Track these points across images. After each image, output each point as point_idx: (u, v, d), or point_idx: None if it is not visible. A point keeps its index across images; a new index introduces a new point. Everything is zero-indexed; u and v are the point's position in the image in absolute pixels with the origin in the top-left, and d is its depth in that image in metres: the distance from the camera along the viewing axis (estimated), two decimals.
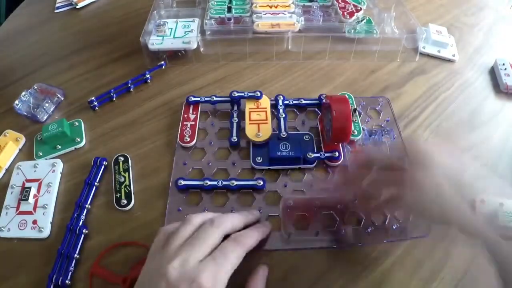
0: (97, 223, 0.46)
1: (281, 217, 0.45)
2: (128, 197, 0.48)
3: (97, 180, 0.50)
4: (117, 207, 0.47)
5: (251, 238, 0.38)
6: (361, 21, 0.68)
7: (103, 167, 0.51)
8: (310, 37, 0.65)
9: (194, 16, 0.68)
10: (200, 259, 0.34)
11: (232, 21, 0.67)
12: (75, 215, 0.46)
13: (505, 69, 0.62)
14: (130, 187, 0.49)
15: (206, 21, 0.66)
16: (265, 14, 0.67)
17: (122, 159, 0.51)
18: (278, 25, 0.64)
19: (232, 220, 0.39)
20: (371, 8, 0.71)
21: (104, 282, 0.42)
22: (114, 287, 0.41)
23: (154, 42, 0.62)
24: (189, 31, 0.65)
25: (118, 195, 0.48)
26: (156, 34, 0.64)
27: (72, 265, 0.42)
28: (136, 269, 0.41)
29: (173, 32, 0.65)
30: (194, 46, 0.63)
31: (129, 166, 0.51)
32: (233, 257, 0.35)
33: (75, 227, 0.45)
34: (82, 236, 0.44)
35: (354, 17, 0.68)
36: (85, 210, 0.47)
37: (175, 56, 0.65)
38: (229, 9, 0.69)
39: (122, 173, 0.50)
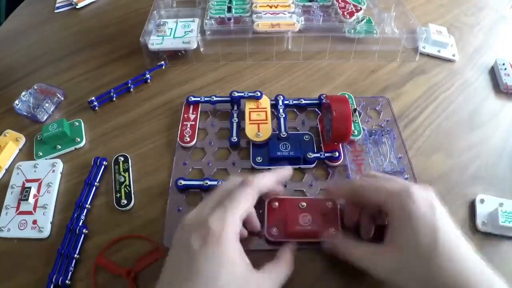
0: (97, 223, 0.46)
1: (266, 220, 0.45)
2: (128, 197, 0.48)
3: (97, 180, 0.50)
4: (117, 207, 0.47)
5: (262, 178, 0.39)
6: (361, 21, 0.68)
7: (103, 167, 0.51)
8: (310, 37, 0.65)
9: (194, 16, 0.68)
10: (212, 206, 0.35)
11: (232, 21, 0.67)
12: (75, 215, 0.46)
13: (505, 69, 0.62)
14: (130, 187, 0.49)
15: (206, 21, 0.66)
16: (265, 14, 0.67)
17: (122, 159, 0.51)
18: (278, 25, 0.64)
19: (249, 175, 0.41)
20: (371, 8, 0.71)
21: (108, 276, 0.42)
22: (117, 280, 0.41)
23: (154, 42, 0.62)
24: (189, 31, 0.65)
25: (118, 195, 0.48)
26: (156, 34, 0.64)
27: (72, 265, 0.42)
28: (142, 262, 0.42)
29: (173, 32, 0.65)
30: (194, 46, 0.63)
31: (129, 166, 0.51)
32: (240, 198, 0.36)
33: (75, 227, 0.45)
34: (82, 236, 0.44)
35: (354, 17, 0.68)
36: (85, 210, 0.47)
37: (175, 56, 0.65)
38: (229, 9, 0.69)
39: (122, 173, 0.50)
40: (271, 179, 0.41)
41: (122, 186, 0.49)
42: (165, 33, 0.64)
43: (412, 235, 0.34)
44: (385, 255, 0.36)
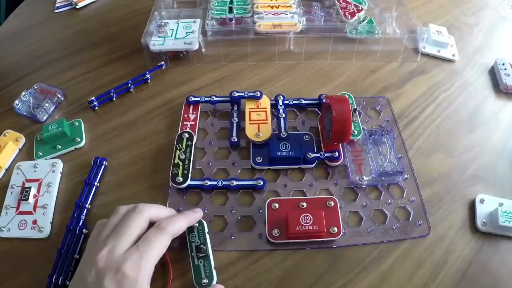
0: None
1: (266, 221, 0.45)
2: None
3: (97, 180, 0.50)
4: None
5: (176, 224, 0.40)
6: (363, 21, 0.68)
7: (103, 167, 0.51)
8: (311, 38, 0.65)
9: (195, 16, 0.68)
10: (126, 247, 0.36)
11: (233, 21, 0.67)
12: (75, 215, 0.46)
13: (505, 69, 0.62)
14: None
15: (208, 21, 0.66)
16: (266, 14, 0.67)
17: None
18: (279, 25, 0.64)
19: (157, 208, 0.41)
20: (372, 8, 0.71)
21: None
22: None
23: (156, 43, 0.62)
24: (191, 32, 0.65)
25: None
26: (158, 35, 0.64)
27: (72, 265, 0.42)
28: None
29: (175, 33, 0.65)
30: (196, 47, 0.63)
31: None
32: (156, 245, 0.37)
33: (75, 227, 0.45)
34: (82, 236, 0.45)
35: (355, 17, 0.68)
36: (85, 210, 0.47)
37: (177, 56, 0.65)
38: (230, 10, 0.69)
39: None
40: (184, 225, 0.41)
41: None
42: (166, 34, 0.64)
43: None
44: None
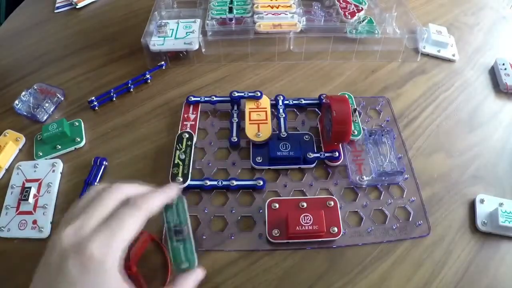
0: None
1: (266, 221, 0.45)
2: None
3: (97, 180, 0.50)
4: None
5: (152, 200, 0.35)
6: (363, 21, 0.68)
7: (103, 167, 0.51)
8: (311, 38, 0.65)
9: (195, 16, 0.68)
10: (95, 225, 0.31)
11: (233, 21, 0.67)
12: None
13: (505, 69, 0.62)
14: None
15: (208, 21, 0.66)
16: (266, 14, 0.67)
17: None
18: (279, 25, 0.64)
19: (135, 186, 0.37)
20: (372, 8, 0.71)
21: None
22: None
23: (156, 43, 0.62)
24: (191, 32, 0.65)
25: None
26: (158, 35, 0.64)
27: None
28: (134, 252, 0.41)
29: (175, 33, 0.64)
30: (196, 47, 0.63)
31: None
32: (129, 222, 0.32)
33: None
34: None
35: (355, 17, 0.68)
36: None
37: (177, 56, 0.65)
38: (230, 10, 0.69)
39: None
40: (161, 202, 0.36)
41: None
42: (166, 34, 0.64)
43: None
44: None
